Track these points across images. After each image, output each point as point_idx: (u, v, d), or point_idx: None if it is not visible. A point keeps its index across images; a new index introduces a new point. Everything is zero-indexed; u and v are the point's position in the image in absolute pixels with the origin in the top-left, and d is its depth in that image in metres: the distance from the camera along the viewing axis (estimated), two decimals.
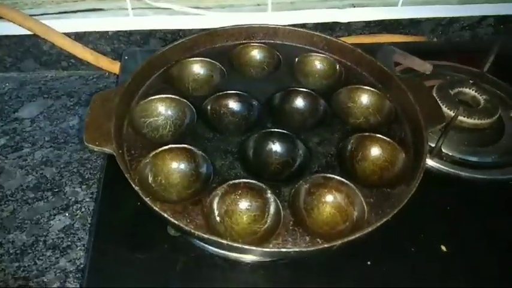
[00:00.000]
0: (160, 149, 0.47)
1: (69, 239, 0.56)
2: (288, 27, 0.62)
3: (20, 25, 0.70)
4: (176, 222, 0.38)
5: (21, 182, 0.62)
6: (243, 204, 0.45)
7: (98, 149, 0.43)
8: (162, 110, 0.52)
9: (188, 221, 0.41)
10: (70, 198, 0.60)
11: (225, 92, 0.55)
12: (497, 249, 0.50)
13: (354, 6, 0.77)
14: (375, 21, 0.80)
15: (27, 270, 0.53)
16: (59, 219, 0.58)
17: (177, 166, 0.47)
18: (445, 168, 0.56)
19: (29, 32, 0.72)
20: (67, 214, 0.59)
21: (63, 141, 0.68)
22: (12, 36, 0.74)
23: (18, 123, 0.70)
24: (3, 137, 0.68)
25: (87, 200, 0.60)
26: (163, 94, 0.52)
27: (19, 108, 0.73)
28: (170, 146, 0.47)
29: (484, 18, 0.83)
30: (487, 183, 0.56)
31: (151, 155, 0.46)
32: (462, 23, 0.84)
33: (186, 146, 0.47)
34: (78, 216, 0.58)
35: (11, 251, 0.54)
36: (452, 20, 0.83)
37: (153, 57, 0.55)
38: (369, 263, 0.47)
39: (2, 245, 0.55)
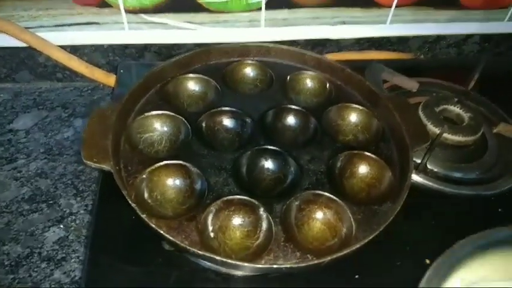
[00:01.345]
0: (156, 165, 0.48)
1: (64, 251, 0.56)
2: (280, 45, 0.63)
3: (16, 38, 0.70)
4: (172, 239, 0.40)
5: (16, 193, 0.62)
6: (236, 220, 0.47)
7: (95, 165, 0.44)
8: (158, 126, 0.53)
9: (183, 237, 0.43)
10: (65, 210, 0.61)
11: (219, 109, 0.56)
12: None
13: (344, 24, 0.80)
14: (364, 38, 0.83)
15: (22, 282, 0.53)
16: (54, 231, 0.58)
17: (173, 182, 0.49)
18: (430, 184, 0.58)
19: (24, 44, 0.73)
20: (62, 226, 0.59)
21: (58, 153, 0.68)
22: (8, 48, 0.74)
23: (12, 134, 0.70)
24: None
25: (82, 212, 0.61)
26: (159, 110, 0.54)
27: (14, 120, 0.73)
28: (166, 162, 0.48)
29: (469, 36, 0.86)
30: (471, 199, 0.58)
31: (147, 171, 0.47)
32: (448, 41, 0.86)
33: (181, 162, 0.49)
34: (72, 228, 0.59)
35: (6, 263, 0.55)
36: (439, 38, 0.85)
37: (149, 74, 0.56)
38: (356, 276, 0.48)
39: None
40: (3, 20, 0.69)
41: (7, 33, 0.70)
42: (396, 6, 0.78)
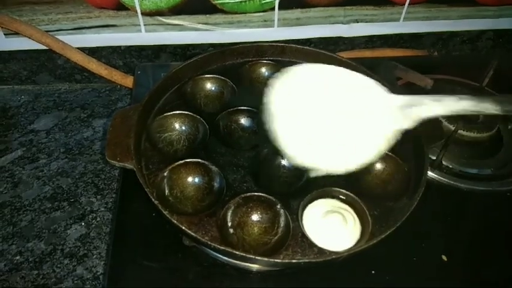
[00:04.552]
0: (176, 164, 0.49)
1: (86, 248, 0.58)
2: (295, 45, 0.64)
3: (38, 42, 0.72)
4: (193, 234, 0.41)
5: (38, 192, 0.64)
6: (255, 216, 0.48)
7: (119, 164, 0.45)
8: (177, 125, 0.54)
9: (204, 232, 0.44)
10: (86, 208, 0.63)
11: (236, 108, 0.57)
12: (496, 259, 0.52)
13: (357, 22, 0.80)
14: (377, 36, 0.83)
15: (46, 277, 0.55)
16: (76, 229, 0.60)
17: (192, 180, 0.50)
18: (446, 180, 0.58)
19: (44, 47, 0.74)
20: (83, 223, 0.61)
21: (78, 153, 0.70)
22: (29, 50, 0.77)
23: (34, 134, 0.73)
24: (20, 148, 0.70)
25: (102, 209, 0.63)
26: (177, 110, 0.55)
27: (35, 120, 0.75)
28: (185, 160, 0.49)
29: (483, 32, 0.86)
30: (486, 195, 0.58)
31: (167, 169, 0.49)
32: (462, 37, 0.86)
33: (200, 160, 0.50)
34: (93, 225, 0.61)
35: (30, 259, 0.57)
36: (452, 34, 0.86)
37: (167, 76, 0.57)
38: (373, 272, 0.49)
39: (21, 253, 0.57)
40: (26, 24, 0.71)
41: (30, 38, 0.72)
42: (409, 4, 0.78)
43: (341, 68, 0.43)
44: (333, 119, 0.39)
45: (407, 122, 0.40)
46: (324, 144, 0.39)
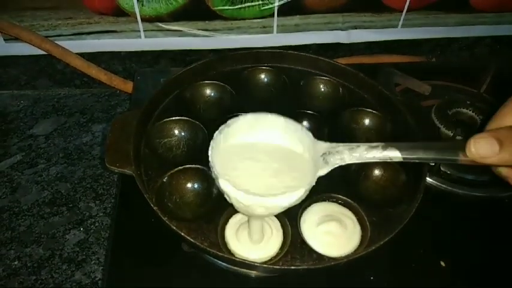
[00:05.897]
0: (175, 170, 0.49)
1: (84, 253, 0.58)
2: (294, 51, 0.64)
3: (38, 47, 0.73)
4: (193, 240, 0.41)
5: (37, 197, 0.64)
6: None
7: (118, 170, 0.45)
8: (176, 131, 0.55)
9: (203, 238, 0.44)
10: (84, 213, 0.63)
11: (235, 114, 0.57)
12: (494, 265, 0.52)
13: (356, 28, 0.81)
14: (376, 42, 0.84)
15: (45, 283, 0.55)
16: (74, 234, 0.60)
17: (191, 186, 0.50)
18: (444, 186, 0.59)
19: (44, 52, 0.75)
20: (82, 229, 0.61)
21: (77, 158, 0.70)
22: (28, 56, 0.77)
23: (33, 139, 0.73)
24: (19, 153, 0.70)
25: (101, 214, 0.63)
26: (176, 116, 0.55)
27: (34, 125, 0.75)
28: (184, 166, 0.50)
29: (481, 38, 0.87)
30: (484, 201, 0.58)
31: (166, 175, 0.49)
32: (460, 43, 0.87)
33: (199, 166, 0.50)
34: (92, 230, 0.61)
35: (28, 264, 0.57)
36: (450, 41, 0.86)
37: (167, 81, 0.57)
38: (371, 278, 0.49)
39: (19, 258, 0.57)
40: (26, 30, 0.72)
41: (30, 43, 0.72)
42: (407, 11, 0.78)
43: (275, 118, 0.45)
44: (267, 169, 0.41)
45: (326, 168, 0.42)
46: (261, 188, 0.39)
